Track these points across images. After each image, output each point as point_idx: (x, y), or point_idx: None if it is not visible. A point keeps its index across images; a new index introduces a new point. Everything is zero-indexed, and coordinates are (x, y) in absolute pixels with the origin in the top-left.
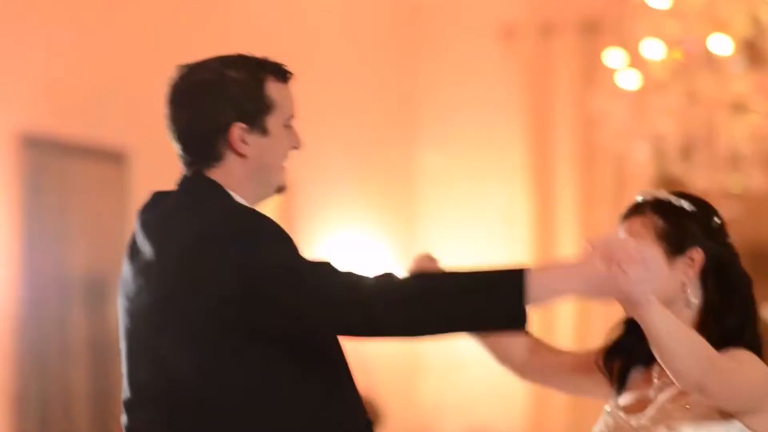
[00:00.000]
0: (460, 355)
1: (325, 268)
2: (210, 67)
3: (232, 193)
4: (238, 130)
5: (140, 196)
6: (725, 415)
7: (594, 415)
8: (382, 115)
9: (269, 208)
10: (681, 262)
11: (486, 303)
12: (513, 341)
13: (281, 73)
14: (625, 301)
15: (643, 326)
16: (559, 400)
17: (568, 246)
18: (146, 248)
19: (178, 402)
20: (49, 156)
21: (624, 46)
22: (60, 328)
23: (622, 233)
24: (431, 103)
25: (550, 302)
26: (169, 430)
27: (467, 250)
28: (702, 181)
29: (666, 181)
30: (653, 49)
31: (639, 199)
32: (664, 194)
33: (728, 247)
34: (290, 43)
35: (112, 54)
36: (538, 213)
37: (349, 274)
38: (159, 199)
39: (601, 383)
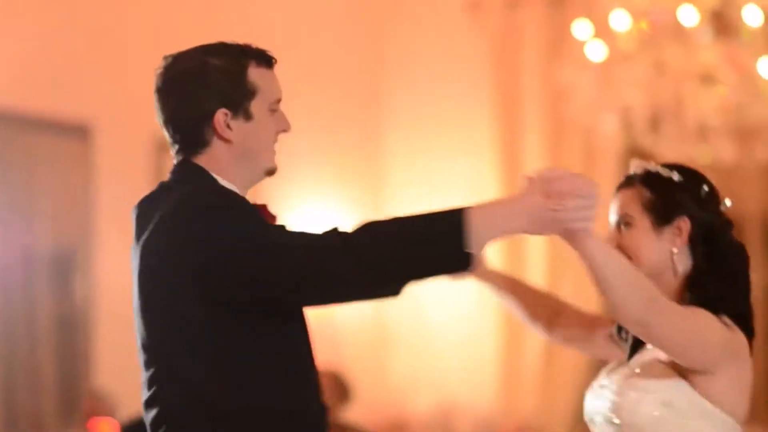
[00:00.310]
0: (430, 331)
1: (285, 236)
2: (192, 56)
3: (219, 178)
4: (221, 116)
5: (105, 169)
6: (672, 376)
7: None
8: (348, 90)
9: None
10: (668, 232)
11: (429, 246)
12: (542, 302)
13: (264, 59)
14: (565, 233)
15: (582, 259)
16: (530, 374)
17: None
18: (138, 231)
19: (162, 370)
20: (13, 131)
21: (591, 18)
22: (27, 304)
23: (614, 206)
24: (397, 77)
25: (494, 240)
26: (157, 396)
27: None
28: (670, 153)
29: (634, 153)
30: (620, 20)
31: (630, 171)
32: (653, 166)
33: (718, 216)
34: (254, 20)
35: (77, 29)
36: (507, 187)
37: (306, 237)
38: (157, 188)
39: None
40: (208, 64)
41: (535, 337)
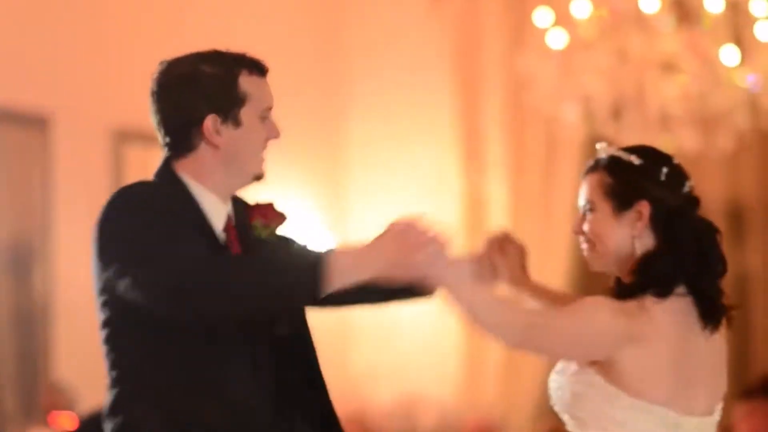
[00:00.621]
0: (392, 323)
1: (164, 255)
2: (186, 61)
3: (198, 183)
4: (211, 121)
5: (63, 160)
6: (583, 364)
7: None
8: (308, 79)
9: None
10: (629, 217)
11: (286, 281)
12: (542, 300)
13: (256, 67)
14: (424, 278)
15: (449, 299)
16: (492, 365)
17: (499, 209)
18: None
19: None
20: None
21: (552, 5)
22: None
23: (581, 192)
24: (359, 66)
25: (353, 281)
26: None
27: (396, 212)
28: (633, 142)
29: (596, 142)
30: (581, 7)
31: (596, 157)
32: (616, 150)
33: (680, 197)
34: (215, 7)
35: (35, 20)
36: (469, 175)
37: (186, 253)
38: None
39: None
40: (200, 70)
41: None
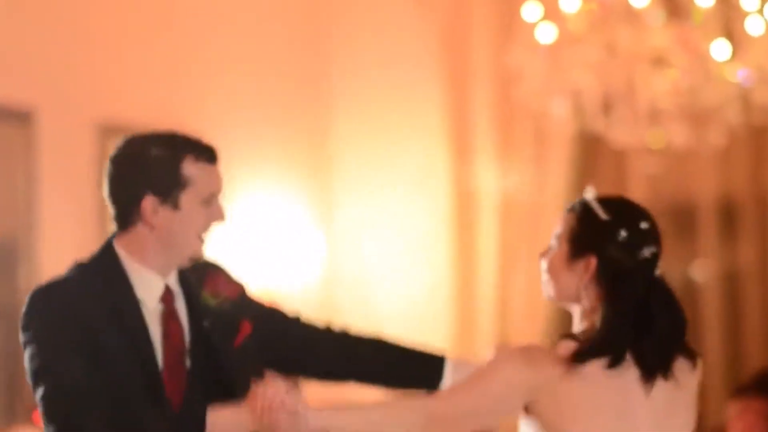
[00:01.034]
0: (380, 315)
1: (51, 378)
2: (138, 141)
3: (136, 259)
4: (150, 201)
5: (47, 156)
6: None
7: None
8: (296, 72)
9: None
10: (578, 266)
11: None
12: None
13: (204, 154)
14: None
15: None
16: (483, 353)
17: (488, 205)
18: None
19: None
20: None
21: (541, 0)
22: None
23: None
24: (346, 59)
25: None
26: None
27: (384, 208)
28: (622, 137)
29: (586, 137)
30: (570, 1)
31: (580, 198)
32: (594, 199)
33: (635, 260)
34: (199, 4)
35: (18, 12)
36: (457, 170)
37: (59, 389)
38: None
39: None
40: (147, 151)
41: (487, 321)
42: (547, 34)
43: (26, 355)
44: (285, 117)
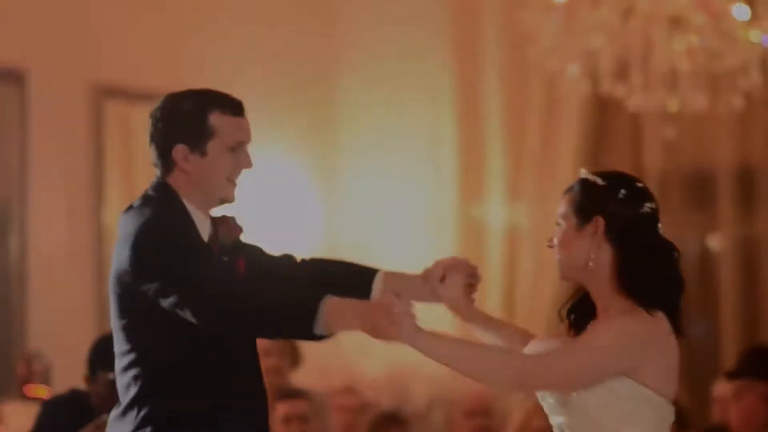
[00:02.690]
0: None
1: (184, 272)
2: (172, 98)
3: (185, 198)
4: (179, 150)
5: (39, 115)
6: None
7: None
8: (299, 35)
9: None
10: (587, 230)
11: (283, 320)
12: (513, 339)
13: (231, 106)
14: (402, 339)
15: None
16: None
17: (497, 168)
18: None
19: None
20: None
21: None
22: None
23: (559, 208)
24: (354, 23)
25: (341, 331)
26: None
27: (392, 173)
28: (638, 100)
29: (600, 101)
30: None
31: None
32: (588, 173)
33: (638, 214)
34: None
35: None
36: (465, 134)
37: (205, 273)
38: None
39: None
40: (179, 105)
41: (490, 300)
42: None
43: (154, 267)
44: (289, 82)
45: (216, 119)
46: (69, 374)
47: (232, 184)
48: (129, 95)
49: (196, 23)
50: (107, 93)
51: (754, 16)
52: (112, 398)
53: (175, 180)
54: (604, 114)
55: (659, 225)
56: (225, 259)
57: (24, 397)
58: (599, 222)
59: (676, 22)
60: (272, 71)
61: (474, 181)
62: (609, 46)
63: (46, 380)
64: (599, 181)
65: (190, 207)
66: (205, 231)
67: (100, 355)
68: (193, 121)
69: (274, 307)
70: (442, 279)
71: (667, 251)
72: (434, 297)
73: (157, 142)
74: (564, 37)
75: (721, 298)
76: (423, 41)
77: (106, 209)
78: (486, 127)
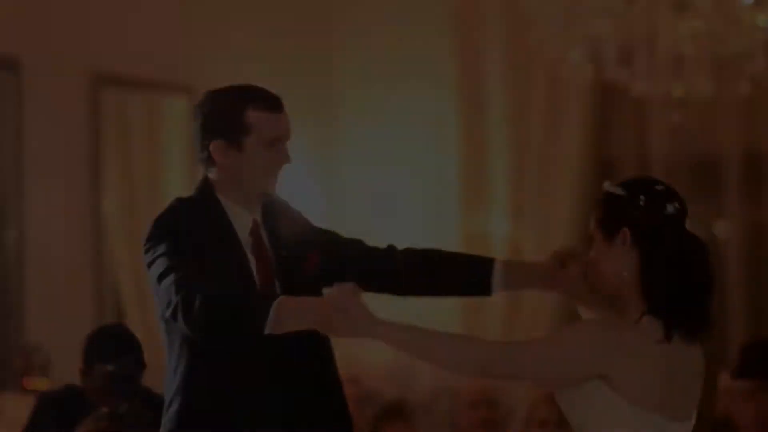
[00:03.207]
0: None
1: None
2: (211, 94)
3: (224, 195)
4: (217, 145)
5: (35, 105)
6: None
7: None
8: (303, 18)
9: None
10: (616, 243)
11: (236, 320)
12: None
13: (268, 103)
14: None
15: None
16: (489, 329)
17: (499, 154)
18: None
19: None
20: None
21: None
22: None
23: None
24: (355, 5)
25: (294, 329)
26: None
27: (394, 157)
28: (643, 86)
29: (604, 86)
30: None
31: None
32: (610, 186)
33: (661, 217)
34: None
35: None
36: (467, 119)
37: (186, 292)
38: None
39: None
40: (217, 102)
41: (492, 300)
42: None
43: (156, 267)
44: (287, 68)
45: (253, 115)
46: (66, 367)
47: (271, 178)
48: (127, 84)
49: (195, 11)
50: (105, 82)
51: (760, 0)
52: (109, 391)
53: (215, 175)
54: (608, 100)
55: (687, 221)
56: (284, 253)
57: (23, 390)
58: (625, 233)
59: (681, 6)
60: (272, 61)
61: (476, 163)
62: (613, 31)
63: (45, 373)
64: (619, 191)
65: (227, 203)
66: (243, 225)
67: (96, 347)
68: (230, 117)
69: (225, 309)
70: (563, 267)
71: (692, 251)
72: (555, 285)
73: (198, 138)
74: (567, 22)
75: (727, 286)
76: (427, 25)
77: (104, 200)
78: (489, 110)
